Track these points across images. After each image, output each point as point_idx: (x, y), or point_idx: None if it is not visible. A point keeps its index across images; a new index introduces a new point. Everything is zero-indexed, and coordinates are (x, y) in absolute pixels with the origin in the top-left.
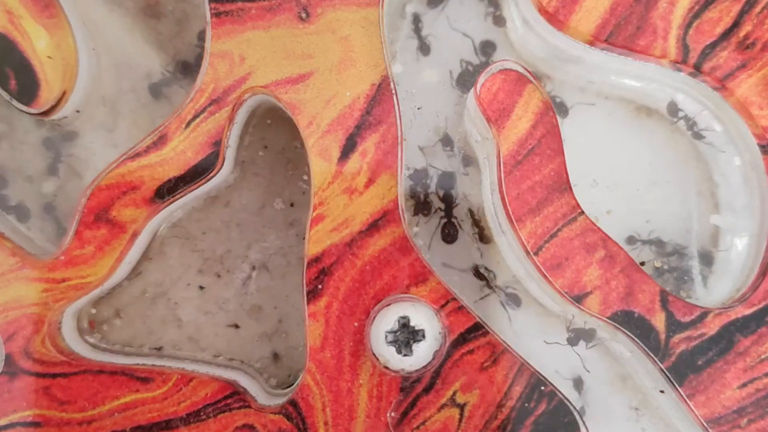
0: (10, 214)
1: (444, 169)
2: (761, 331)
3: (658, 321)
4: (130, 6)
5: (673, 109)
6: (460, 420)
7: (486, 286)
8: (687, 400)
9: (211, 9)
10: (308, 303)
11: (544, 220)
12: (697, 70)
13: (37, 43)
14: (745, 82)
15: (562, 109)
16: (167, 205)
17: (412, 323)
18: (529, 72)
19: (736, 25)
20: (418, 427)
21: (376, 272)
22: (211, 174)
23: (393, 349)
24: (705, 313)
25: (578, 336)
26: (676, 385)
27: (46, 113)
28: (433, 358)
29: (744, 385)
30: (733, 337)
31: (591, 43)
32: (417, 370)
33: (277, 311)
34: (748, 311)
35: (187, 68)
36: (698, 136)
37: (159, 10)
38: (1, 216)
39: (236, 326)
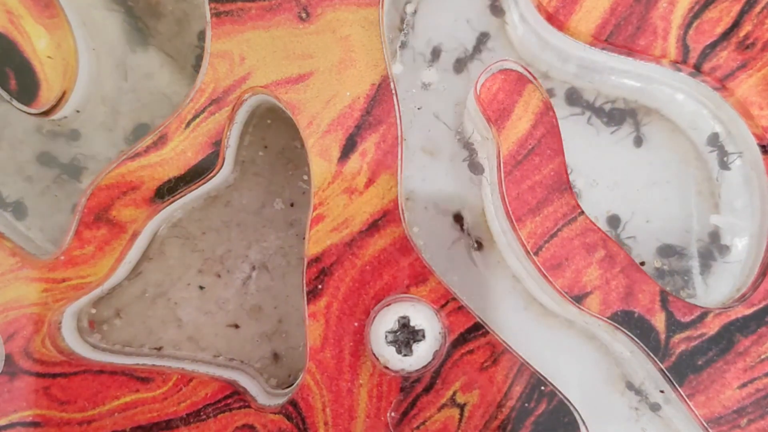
0: (8, 212)
1: None
2: (761, 331)
3: (658, 321)
4: (130, 6)
5: (714, 139)
6: (460, 420)
7: (460, 230)
8: (687, 400)
9: (211, 9)
10: (308, 303)
11: (544, 220)
12: (697, 70)
13: (37, 43)
14: (745, 82)
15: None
16: (167, 205)
17: (412, 323)
18: (529, 72)
19: (736, 25)
20: (418, 427)
21: (376, 272)
22: (211, 174)
23: (393, 349)
24: (705, 313)
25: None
26: (676, 385)
27: (46, 113)
28: (433, 358)
29: (744, 385)
30: (733, 337)
31: (591, 43)
32: (417, 370)
33: (277, 311)
34: (748, 311)
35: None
36: (725, 165)
37: (159, 10)
38: (0, 215)
39: (236, 326)
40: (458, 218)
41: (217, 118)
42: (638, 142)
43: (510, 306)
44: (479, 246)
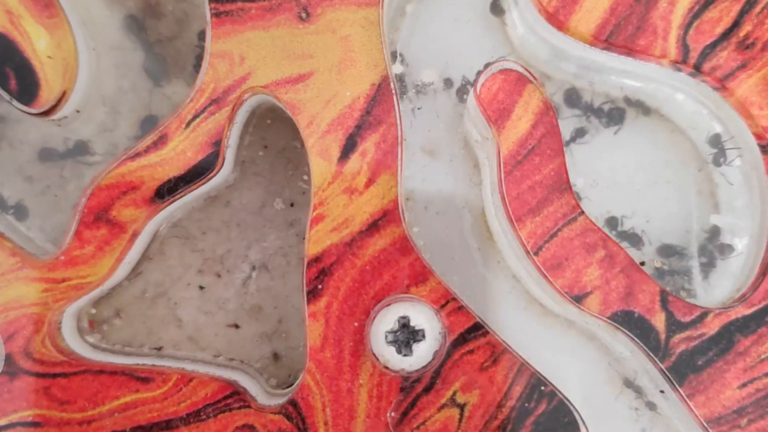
0: (9, 214)
1: None
2: (761, 331)
3: (658, 321)
4: (130, 6)
5: (715, 141)
6: (460, 420)
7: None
8: (687, 400)
9: (211, 9)
10: (308, 303)
11: (544, 220)
12: (697, 70)
13: (37, 43)
14: (745, 82)
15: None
16: (167, 205)
17: (412, 323)
18: (529, 72)
19: (736, 25)
20: (418, 427)
21: (376, 272)
22: (211, 174)
23: (393, 349)
24: (705, 313)
25: None
26: (676, 385)
27: (46, 113)
28: (433, 358)
29: (744, 385)
30: (733, 337)
31: (591, 43)
32: (417, 370)
33: (277, 311)
34: (748, 311)
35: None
36: (717, 162)
37: (159, 10)
38: (1, 216)
39: (236, 326)
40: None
41: (217, 118)
42: (647, 111)
43: (510, 306)
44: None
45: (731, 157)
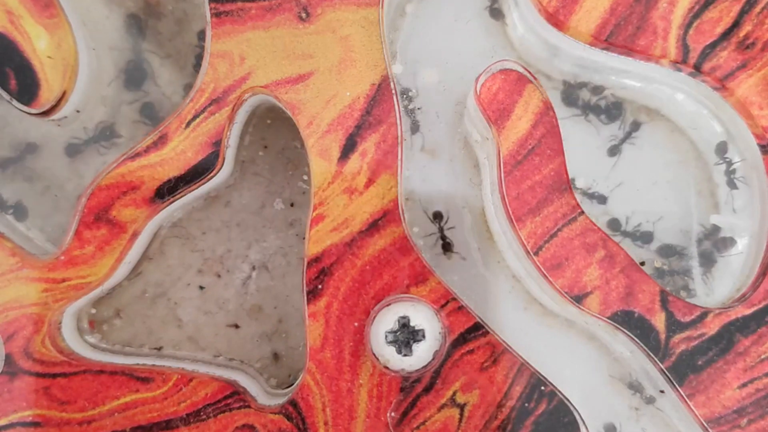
0: (8, 214)
1: None
2: (761, 331)
3: (658, 321)
4: (130, 6)
5: (722, 149)
6: (460, 420)
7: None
8: (687, 400)
9: (211, 9)
10: (308, 303)
11: (544, 220)
12: (697, 70)
13: (37, 43)
14: (745, 82)
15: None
16: (167, 205)
17: (412, 323)
18: (529, 72)
19: (736, 25)
20: (418, 427)
21: (376, 272)
22: (211, 174)
23: (393, 349)
24: (705, 313)
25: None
26: (676, 385)
27: (46, 113)
28: (433, 358)
29: (744, 385)
30: (733, 337)
31: (591, 43)
32: (417, 370)
33: (277, 311)
34: (748, 311)
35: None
36: (733, 184)
37: (159, 10)
38: (0, 216)
39: (236, 326)
40: (437, 216)
41: (217, 118)
42: (647, 111)
43: (510, 306)
44: (447, 247)
45: (735, 160)
